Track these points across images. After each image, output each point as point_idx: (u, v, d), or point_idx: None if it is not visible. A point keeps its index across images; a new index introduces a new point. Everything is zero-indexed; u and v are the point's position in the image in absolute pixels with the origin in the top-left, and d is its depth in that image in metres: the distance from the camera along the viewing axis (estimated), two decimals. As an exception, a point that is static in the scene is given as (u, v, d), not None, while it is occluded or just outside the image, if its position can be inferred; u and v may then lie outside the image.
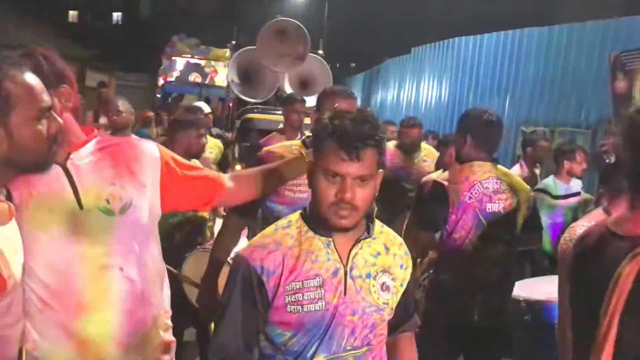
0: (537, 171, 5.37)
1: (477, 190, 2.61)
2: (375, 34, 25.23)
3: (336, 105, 2.26)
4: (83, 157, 1.52)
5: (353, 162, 1.36)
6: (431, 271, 3.01)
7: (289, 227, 1.50)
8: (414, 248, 1.91)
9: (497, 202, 2.62)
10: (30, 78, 1.26)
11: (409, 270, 1.58)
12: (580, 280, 1.52)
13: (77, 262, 1.49)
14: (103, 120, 5.74)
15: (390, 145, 5.15)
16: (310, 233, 1.47)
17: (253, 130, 6.36)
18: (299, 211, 1.54)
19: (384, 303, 1.49)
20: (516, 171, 5.14)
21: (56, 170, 1.47)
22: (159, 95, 14.78)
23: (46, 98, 1.28)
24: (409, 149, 5.17)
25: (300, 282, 1.42)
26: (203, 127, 3.27)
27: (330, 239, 1.46)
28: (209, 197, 1.77)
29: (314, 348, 1.42)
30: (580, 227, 1.96)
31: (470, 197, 2.60)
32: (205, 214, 3.21)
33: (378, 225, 1.56)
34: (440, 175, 2.87)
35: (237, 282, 1.45)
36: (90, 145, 1.55)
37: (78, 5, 32.30)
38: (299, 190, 2.31)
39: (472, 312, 2.62)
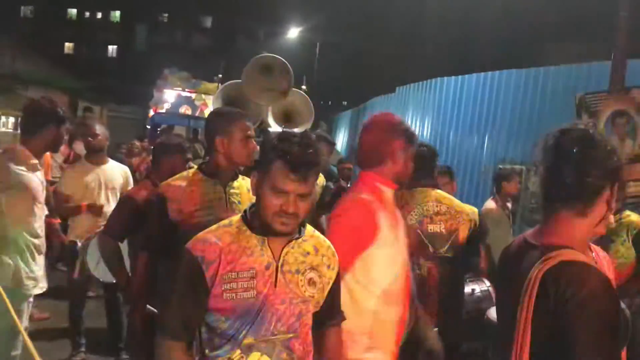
0: (509, 205, 5.51)
1: (417, 212, 2.81)
2: (364, 73, 25.85)
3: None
4: None
5: (299, 182, 1.57)
6: None
7: (229, 226, 1.70)
8: None
9: (438, 222, 2.79)
10: None
11: (335, 270, 1.78)
12: (502, 286, 1.68)
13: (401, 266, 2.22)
14: (79, 146, 5.81)
15: None
16: (248, 232, 1.67)
17: None
18: (241, 213, 1.74)
19: (309, 296, 1.70)
20: (491, 205, 5.29)
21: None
22: (148, 127, 14.92)
23: None
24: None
25: (236, 273, 1.62)
26: (188, 153, 3.37)
27: (265, 238, 1.67)
28: None
29: (244, 331, 1.61)
30: None
31: (411, 219, 2.78)
32: None
33: (310, 229, 1.77)
34: None
35: (181, 270, 1.64)
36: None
37: (75, 38, 32.84)
38: (202, 215, 2.31)
39: (424, 330, 2.70)
